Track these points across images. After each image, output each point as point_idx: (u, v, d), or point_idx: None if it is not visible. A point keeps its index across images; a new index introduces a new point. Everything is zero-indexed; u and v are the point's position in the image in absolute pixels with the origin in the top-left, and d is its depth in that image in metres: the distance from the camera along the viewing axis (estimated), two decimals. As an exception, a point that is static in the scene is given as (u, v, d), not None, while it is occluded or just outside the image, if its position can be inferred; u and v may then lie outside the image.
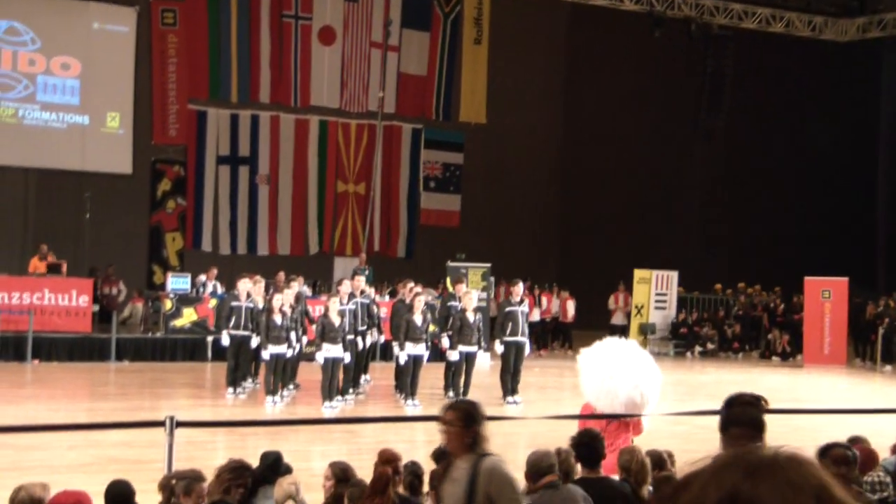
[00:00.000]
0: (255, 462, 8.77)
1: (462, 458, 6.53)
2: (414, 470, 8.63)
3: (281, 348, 20.02)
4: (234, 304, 21.42)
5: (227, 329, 21.26)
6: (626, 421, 11.13)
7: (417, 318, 20.39)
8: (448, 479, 6.59)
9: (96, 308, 27.27)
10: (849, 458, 7.85)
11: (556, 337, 34.70)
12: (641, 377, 11.38)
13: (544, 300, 33.64)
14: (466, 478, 6.41)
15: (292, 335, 20.41)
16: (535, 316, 32.39)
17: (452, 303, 22.48)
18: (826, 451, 7.94)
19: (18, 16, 33.17)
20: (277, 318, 20.01)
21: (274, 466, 8.71)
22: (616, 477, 8.68)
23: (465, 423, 6.51)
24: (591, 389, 11.50)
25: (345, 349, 19.56)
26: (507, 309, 21.60)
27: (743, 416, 5.79)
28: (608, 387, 11.31)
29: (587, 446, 8.48)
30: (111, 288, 30.03)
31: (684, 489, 1.89)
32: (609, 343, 11.96)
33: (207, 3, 36.11)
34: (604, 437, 8.84)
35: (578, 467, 8.62)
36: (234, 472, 8.18)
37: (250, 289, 21.54)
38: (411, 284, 22.77)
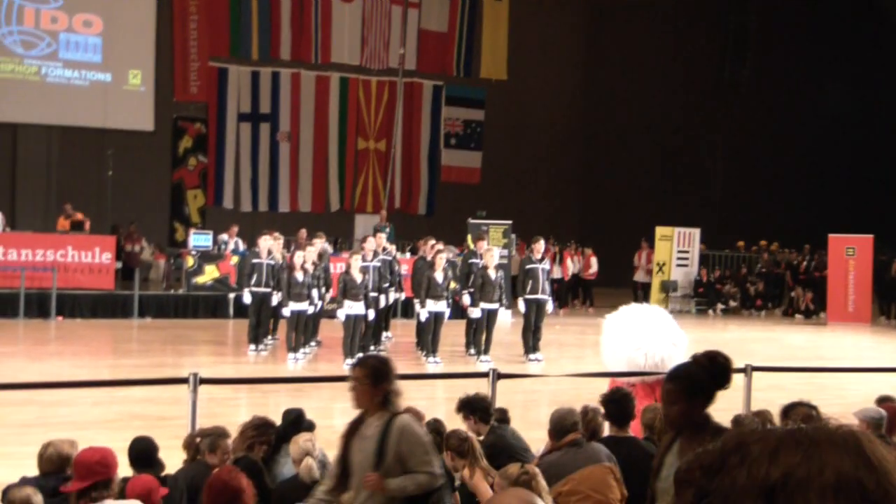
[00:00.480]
0: (277, 419, 8.80)
1: (374, 415, 6.40)
2: (436, 427, 8.63)
3: (302, 305, 20.02)
4: (255, 261, 21.46)
5: (248, 286, 21.30)
6: (652, 386, 11.08)
7: (438, 276, 20.36)
8: (359, 435, 6.43)
9: (119, 265, 27.32)
10: (812, 417, 7.66)
11: (576, 294, 34.65)
12: (666, 348, 11.30)
13: (566, 259, 33.55)
14: (377, 436, 6.31)
15: (314, 292, 20.41)
16: (557, 273, 32.40)
17: (474, 260, 22.44)
18: (789, 411, 7.79)
19: (40, -27, 33.19)
20: (299, 275, 20.00)
21: (296, 423, 8.73)
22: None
23: (373, 380, 6.39)
24: (615, 354, 11.46)
25: (367, 306, 19.57)
26: (528, 266, 21.52)
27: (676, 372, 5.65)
28: (632, 355, 11.24)
29: (617, 404, 8.44)
30: (133, 245, 30.08)
31: (738, 464, 1.83)
32: (633, 309, 11.89)
33: (228, -40, 36.05)
34: (634, 399, 8.79)
35: (606, 426, 8.61)
36: (258, 429, 8.21)
37: (271, 246, 21.56)
38: (432, 242, 22.73)
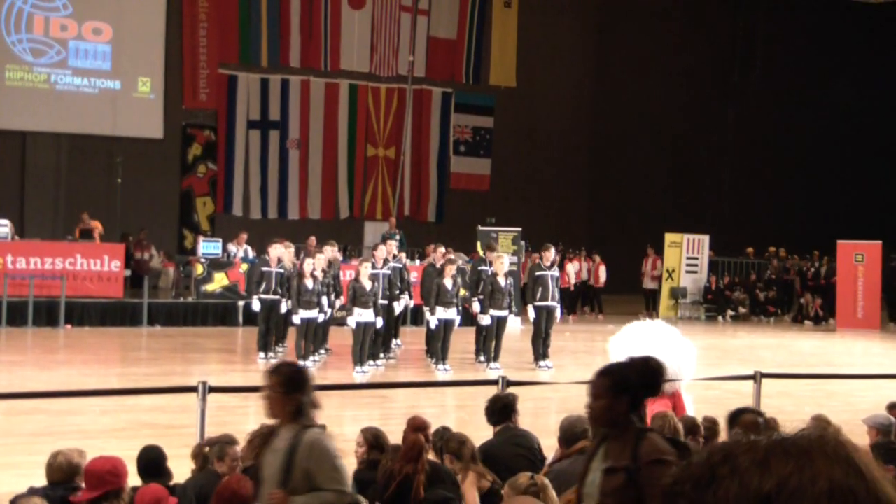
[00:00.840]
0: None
1: (286, 427, 6.09)
2: (445, 436, 8.61)
3: (312, 313, 20.02)
4: (264, 269, 21.46)
5: (257, 294, 21.30)
6: (667, 401, 11.08)
7: (448, 283, 20.35)
8: (271, 448, 6.13)
9: (128, 273, 27.33)
10: (759, 425, 7.51)
11: (585, 302, 34.63)
12: (673, 360, 11.32)
13: (574, 265, 33.45)
14: (285, 450, 5.99)
15: (323, 300, 20.41)
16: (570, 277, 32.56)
17: (483, 267, 22.44)
18: (736, 417, 7.66)
19: (49, -19, 33.27)
20: (308, 283, 20.00)
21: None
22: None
23: (286, 388, 6.08)
24: None
25: (376, 314, 19.54)
26: (537, 273, 21.52)
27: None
28: None
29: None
30: (143, 253, 30.09)
31: (729, 475, 1.83)
32: (637, 326, 11.93)
33: (237, -32, 36.11)
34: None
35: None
36: (266, 436, 8.18)
37: (281, 254, 21.57)
38: (442, 249, 22.78)
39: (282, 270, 21.31)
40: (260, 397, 6.18)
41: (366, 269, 19.55)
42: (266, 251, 22.23)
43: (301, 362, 19.59)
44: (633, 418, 5.22)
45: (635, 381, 5.22)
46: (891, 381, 17.53)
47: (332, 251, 22.41)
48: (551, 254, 22.07)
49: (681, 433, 8.57)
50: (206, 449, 8.10)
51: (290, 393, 6.09)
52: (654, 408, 10.17)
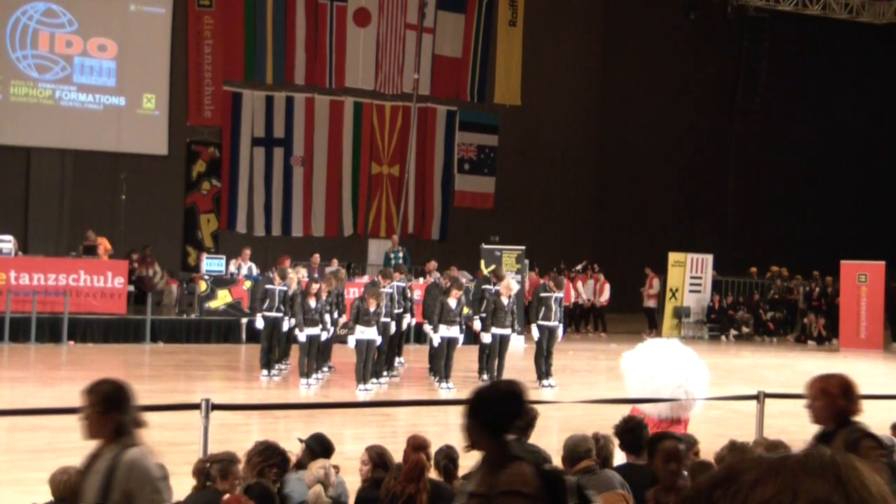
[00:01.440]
0: (288, 445, 8.77)
1: (107, 447, 5.79)
2: (449, 454, 8.61)
3: (315, 330, 20.04)
4: (267, 286, 21.48)
5: (261, 311, 21.31)
6: (676, 419, 11.12)
7: (452, 301, 20.36)
8: (91, 470, 5.83)
9: (131, 288, 27.31)
10: (680, 452, 7.36)
11: (589, 320, 34.60)
12: (686, 376, 11.35)
13: (570, 285, 33.25)
14: (105, 471, 5.69)
15: (326, 317, 20.42)
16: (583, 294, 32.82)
17: (487, 286, 22.45)
18: (654, 444, 7.43)
19: (56, -2, 33.37)
20: (312, 301, 20.04)
21: (325, 452, 8.77)
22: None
23: (104, 407, 5.81)
24: (635, 392, 11.50)
25: (379, 332, 19.55)
26: (542, 294, 21.55)
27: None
28: (651, 387, 11.30)
29: (631, 433, 8.45)
30: (148, 269, 30.10)
31: (722, 498, 1.85)
32: (652, 344, 11.96)
33: (243, -15, 36.20)
34: (647, 427, 8.78)
35: (620, 454, 8.60)
36: (263, 454, 8.15)
37: (291, 276, 21.59)
38: (438, 276, 22.88)
39: (285, 288, 21.33)
40: (79, 419, 5.89)
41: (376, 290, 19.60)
42: (270, 269, 22.26)
43: (304, 379, 19.66)
44: (501, 444, 5.02)
45: (495, 406, 5.05)
46: (894, 402, 17.51)
47: (301, 273, 22.51)
48: (562, 284, 22.20)
49: (682, 458, 8.54)
50: (209, 466, 8.08)
51: (109, 412, 5.82)
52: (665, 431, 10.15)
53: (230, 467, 7.89)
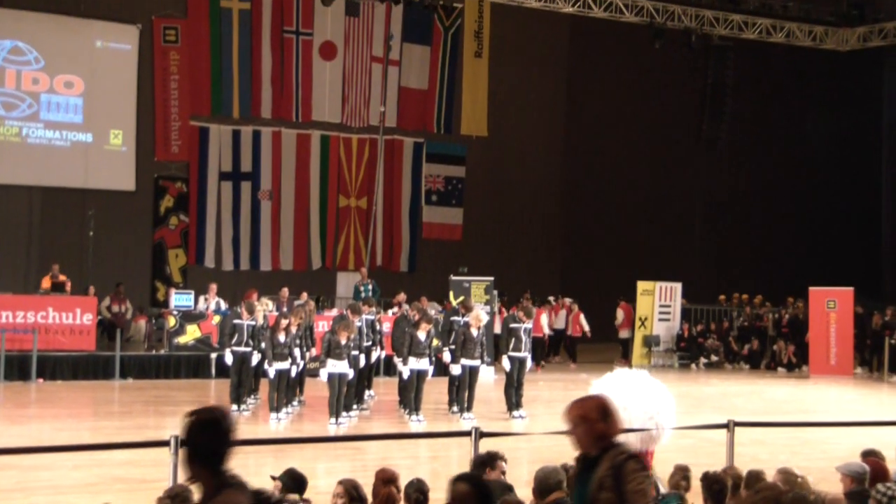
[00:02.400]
0: (259, 480, 8.73)
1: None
2: (420, 487, 8.59)
3: (284, 365, 20.03)
4: (235, 321, 21.46)
5: (229, 346, 21.27)
6: (642, 451, 11.11)
7: (421, 333, 20.37)
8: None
9: (104, 318, 27.12)
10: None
11: (557, 351, 34.53)
12: (655, 407, 11.36)
13: (542, 318, 33.11)
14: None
15: (296, 351, 20.40)
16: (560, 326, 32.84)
17: (456, 317, 22.47)
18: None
19: (22, 35, 33.26)
20: (281, 336, 20.04)
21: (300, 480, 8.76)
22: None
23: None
24: None
25: (350, 365, 19.55)
26: (512, 325, 21.55)
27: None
28: (622, 418, 11.30)
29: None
30: (121, 306, 30.01)
31: None
32: (620, 374, 11.97)
33: (209, 21, 36.16)
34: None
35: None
36: (173, 499, 8.11)
37: (258, 308, 21.60)
38: (408, 308, 22.88)
39: (253, 323, 21.33)
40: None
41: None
42: (239, 303, 22.24)
43: (273, 414, 19.64)
44: (213, 472, 4.95)
45: (198, 435, 4.98)
46: (865, 428, 17.57)
47: (267, 305, 22.54)
48: (531, 312, 22.25)
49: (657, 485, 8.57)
50: (168, 500, 8.08)
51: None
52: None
53: (188, 495, 7.86)
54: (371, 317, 22.20)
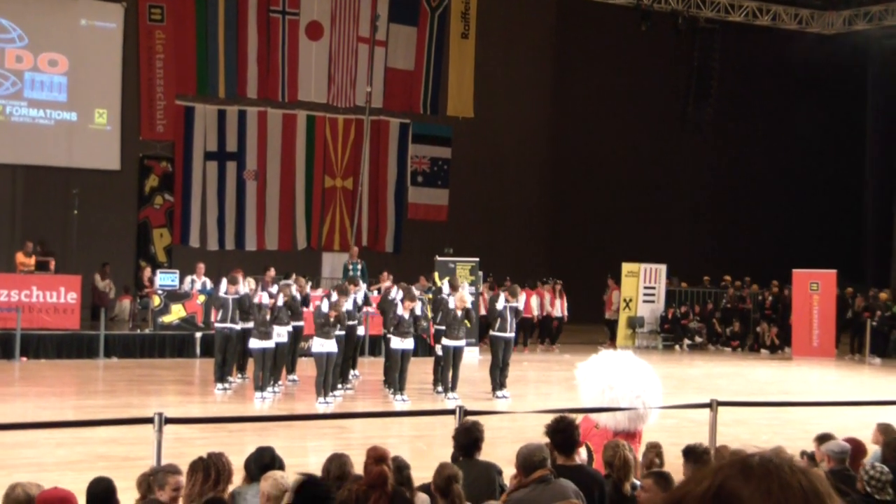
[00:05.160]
0: (241, 458, 8.74)
1: None
2: (400, 465, 8.59)
3: (267, 343, 20.03)
4: (221, 295, 21.51)
5: (215, 321, 21.45)
6: (632, 431, 11.19)
7: (405, 314, 20.41)
8: None
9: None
10: None
11: (542, 334, 33.84)
12: (642, 387, 11.42)
13: (535, 299, 33.05)
14: None
15: (276, 328, 20.35)
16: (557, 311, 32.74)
17: (443, 295, 22.51)
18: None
19: (6, 13, 33.09)
20: (266, 315, 20.07)
21: (269, 465, 8.68)
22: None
23: None
24: (591, 402, 11.54)
25: (337, 345, 19.64)
26: (497, 305, 21.64)
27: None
28: (609, 397, 11.36)
29: (562, 433, 8.47)
30: (106, 284, 30.01)
31: (689, 480, 1.95)
32: (606, 355, 12.01)
33: (195, -1, 36.10)
34: (578, 427, 8.80)
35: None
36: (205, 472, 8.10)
37: (239, 280, 21.65)
38: (386, 275, 22.95)
39: (237, 296, 21.33)
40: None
41: (326, 303, 19.60)
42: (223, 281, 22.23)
43: (258, 393, 19.67)
44: None
45: None
46: (846, 409, 17.66)
47: (250, 283, 22.56)
48: (517, 293, 22.27)
49: (630, 463, 8.62)
50: (151, 478, 8.09)
51: None
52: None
53: (168, 478, 7.87)
54: (358, 296, 22.28)
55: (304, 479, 6.75)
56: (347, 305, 20.72)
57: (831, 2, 40.80)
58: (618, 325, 34.13)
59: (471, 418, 9.59)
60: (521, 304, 23.43)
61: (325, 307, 19.47)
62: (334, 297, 19.81)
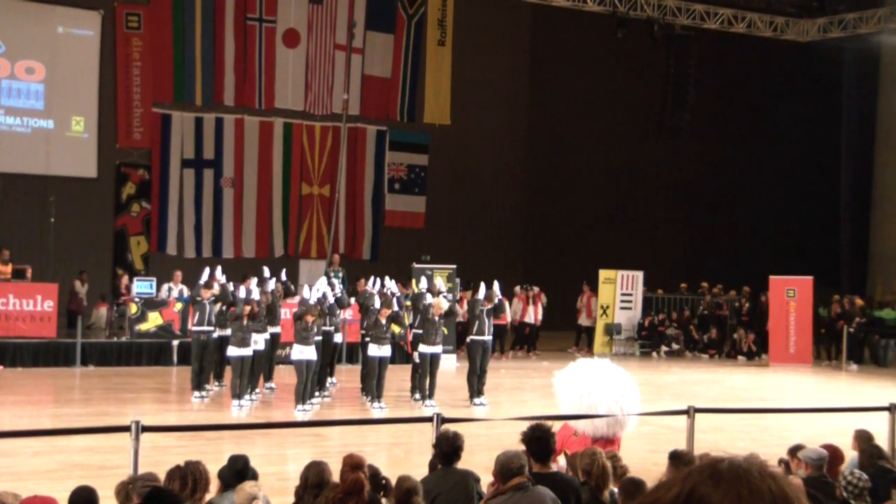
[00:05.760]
0: (219, 466, 8.74)
1: None
2: (375, 473, 8.61)
3: (245, 351, 20.00)
4: (197, 299, 21.51)
5: (193, 325, 21.48)
6: (611, 437, 11.22)
7: (382, 320, 20.42)
8: None
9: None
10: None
11: (519, 341, 33.61)
12: (620, 393, 11.45)
13: (516, 302, 32.93)
14: None
15: (253, 336, 20.35)
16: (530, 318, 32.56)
17: (424, 301, 22.52)
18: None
19: (-19, 20, 33.05)
20: (244, 321, 20.04)
21: (242, 472, 8.67)
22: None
23: None
24: (569, 408, 11.56)
25: (317, 352, 19.65)
26: (476, 309, 21.68)
27: None
28: (588, 403, 11.38)
29: (538, 441, 8.48)
30: (85, 290, 29.96)
31: (659, 486, 1.97)
32: (584, 363, 12.05)
33: (172, 7, 35.99)
34: (555, 435, 8.81)
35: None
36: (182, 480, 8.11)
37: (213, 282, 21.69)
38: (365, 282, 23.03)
39: (213, 298, 21.33)
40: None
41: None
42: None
43: (236, 401, 19.65)
44: None
45: None
46: (823, 415, 17.72)
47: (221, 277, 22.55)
48: (494, 292, 22.26)
49: (609, 471, 8.64)
50: (129, 487, 8.07)
51: None
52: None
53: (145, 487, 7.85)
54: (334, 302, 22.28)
55: (150, 490, 6.75)
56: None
57: (806, 10, 40.94)
58: (595, 331, 34.17)
59: (450, 427, 9.59)
60: (507, 310, 23.50)
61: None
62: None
